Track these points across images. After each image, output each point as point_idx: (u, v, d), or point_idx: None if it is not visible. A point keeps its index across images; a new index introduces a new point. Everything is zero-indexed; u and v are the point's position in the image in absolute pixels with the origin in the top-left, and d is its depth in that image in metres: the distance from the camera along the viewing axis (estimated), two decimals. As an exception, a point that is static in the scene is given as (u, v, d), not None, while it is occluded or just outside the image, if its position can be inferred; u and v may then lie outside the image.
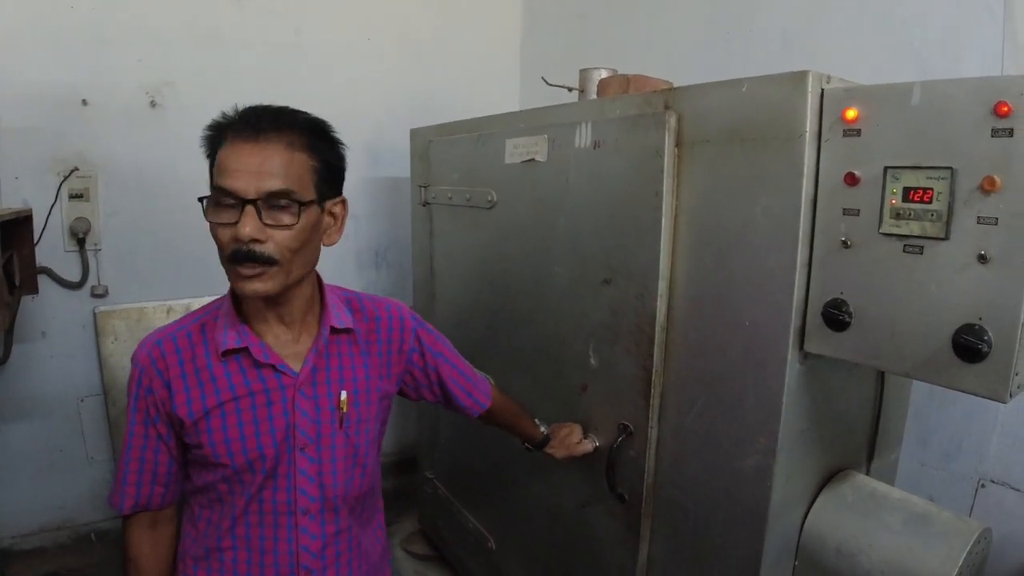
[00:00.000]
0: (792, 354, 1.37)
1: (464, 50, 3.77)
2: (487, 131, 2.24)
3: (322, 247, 1.28)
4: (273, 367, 1.25)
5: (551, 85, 2.34)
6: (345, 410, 1.31)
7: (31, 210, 2.59)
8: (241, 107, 1.21)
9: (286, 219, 1.14)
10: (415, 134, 2.82)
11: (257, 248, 1.12)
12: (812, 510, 1.57)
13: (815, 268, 1.34)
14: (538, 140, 1.93)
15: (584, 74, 2.15)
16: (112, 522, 3.21)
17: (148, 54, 2.98)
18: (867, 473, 1.74)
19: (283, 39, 3.28)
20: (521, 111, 2.13)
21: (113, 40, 2.90)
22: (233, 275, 1.15)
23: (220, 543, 1.30)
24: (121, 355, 2.96)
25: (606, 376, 1.78)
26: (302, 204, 1.15)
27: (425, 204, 2.67)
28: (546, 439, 1.83)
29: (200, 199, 1.17)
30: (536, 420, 1.84)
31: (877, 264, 1.25)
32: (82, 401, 3.08)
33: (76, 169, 2.89)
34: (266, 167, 1.11)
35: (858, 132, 1.26)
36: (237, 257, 1.12)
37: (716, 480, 1.55)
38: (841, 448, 1.63)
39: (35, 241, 2.64)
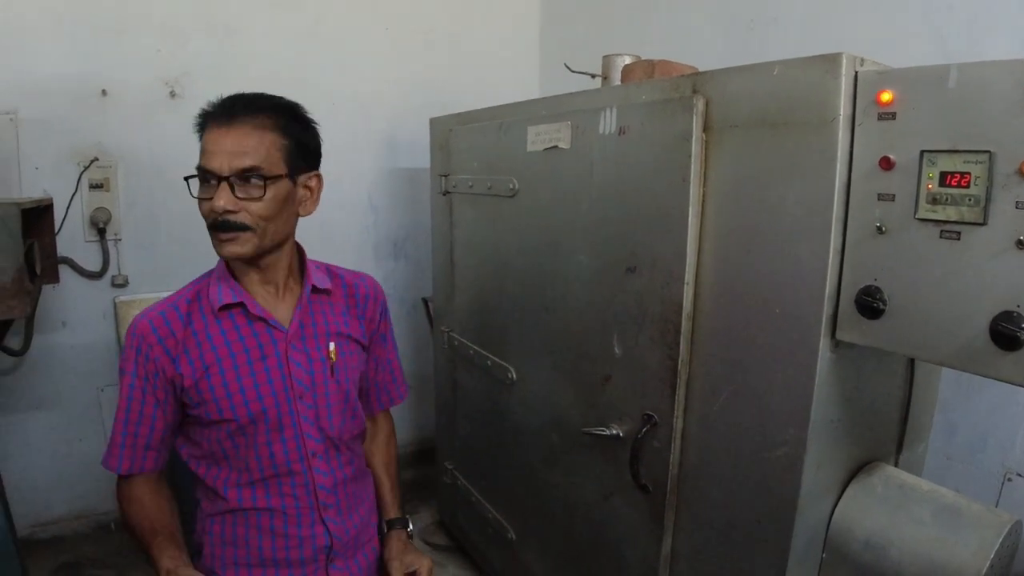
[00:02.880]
0: (824, 342, 1.34)
1: (483, 39, 3.76)
2: (509, 119, 2.22)
3: (301, 217, 1.46)
4: (265, 321, 1.41)
5: (574, 72, 2.31)
6: (334, 359, 1.47)
7: (52, 199, 2.60)
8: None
9: (255, 192, 1.31)
10: (435, 123, 2.81)
11: (230, 218, 1.30)
12: (841, 502, 1.54)
13: (848, 255, 1.31)
14: (561, 127, 1.91)
15: (607, 60, 2.12)
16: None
17: (167, 44, 2.99)
18: (895, 465, 1.71)
19: (301, 29, 3.28)
20: (543, 98, 2.10)
21: (132, 31, 2.91)
22: (214, 241, 1.34)
23: (241, 501, 1.42)
24: (141, 345, 2.96)
25: (630, 365, 1.76)
26: (269, 178, 1.32)
27: (445, 193, 2.66)
28: (395, 522, 1.67)
29: (186, 179, 1.37)
30: (400, 509, 1.72)
31: (913, 250, 1.22)
32: (102, 390, 3.10)
33: (96, 159, 2.91)
34: (238, 147, 1.29)
35: (893, 115, 1.23)
36: (215, 226, 1.32)
37: (743, 471, 1.52)
38: (870, 439, 1.61)
39: (56, 231, 2.65)
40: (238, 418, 1.37)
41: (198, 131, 1.36)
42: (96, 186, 2.93)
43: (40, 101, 2.78)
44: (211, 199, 1.29)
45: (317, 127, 1.46)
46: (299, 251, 1.53)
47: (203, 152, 1.31)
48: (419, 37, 3.59)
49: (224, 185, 1.29)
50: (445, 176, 2.64)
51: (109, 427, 3.03)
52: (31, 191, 2.80)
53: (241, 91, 1.39)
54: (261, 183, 1.31)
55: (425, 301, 3.50)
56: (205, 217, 1.33)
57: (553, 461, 2.13)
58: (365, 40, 3.45)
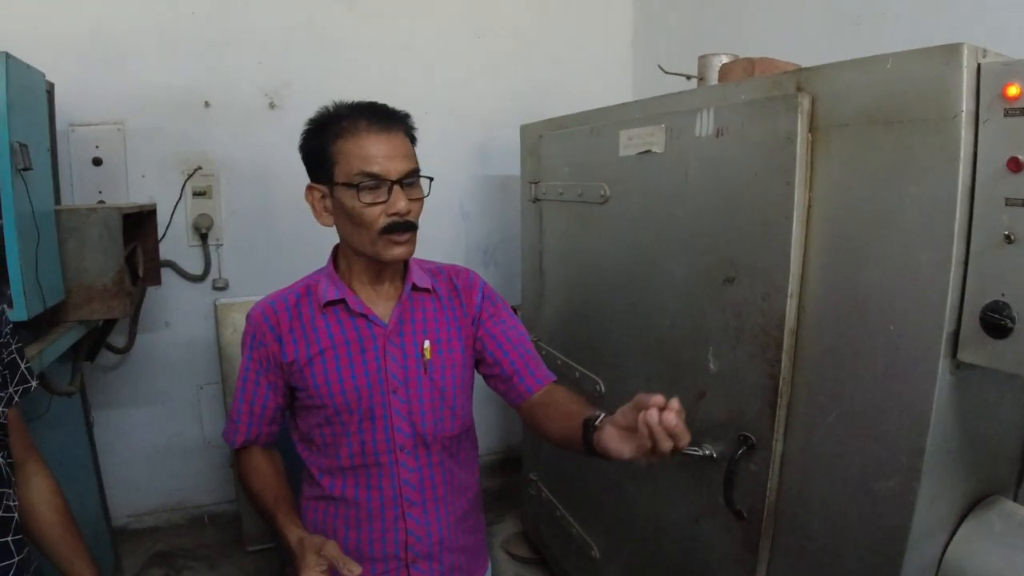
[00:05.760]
0: (943, 364, 1.22)
1: (575, 43, 3.72)
2: (600, 123, 2.16)
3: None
4: (365, 317, 1.44)
5: (668, 73, 2.23)
6: (428, 357, 1.47)
7: (155, 205, 2.72)
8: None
9: (418, 193, 1.40)
10: (525, 130, 2.78)
11: (410, 218, 1.36)
12: (954, 539, 1.40)
13: (972, 266, 1.19)
14: (654, 130, 1.83)
15: (703, 60, 2.03)
16: (226, 505, 3.34)
17: (266, 57, 3.10)
18: (1014, 499, 1.54)
19: (394, 39, 3.34)
20: (636, 101, 2.03)
21: (232, 44, 3.04)
22: (385, 244, 1.35)
23: (332, 488, 1.48)
24: (239, 345, 3.02)
25: (726, 382, 1.66)
26: (426, 178, 1.41)
27: (535, 201, 2.61)
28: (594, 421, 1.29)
29: (356, 187, 1.32)
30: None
31: (1047, 262, 1.10)
32: (201, 388, 3.23)
33: (199, 168, 3.03)
34: (399, 152, 1.35)
35: (1022, 112, 1.11)
36: (395, 228, 1.34)
37: (849, 502, 1.41)
38: (988, 471, 1.46)
39: (160, 236, 2.77)
40: (335, 404, 1.42)
41: (317, 137, 1.39)
42: (199, 193, 3.06)
43: (146, 112, 2.93)
44: (385, 202, 1.33)
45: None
46: None
47: (363, 158, 1.32)
48: (511, 45, 3.58)
49: (398, 188, 1.33)
50: (535, 183, 2.60)
51: (207, 423, 3.23)
52: (137, 198, 2.94)
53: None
54: (421, 183, 1.41)
55: (514, 310, 3.47)
56: (373, 222, 1.33)
57: (641, 479, 2.05)
58: (457, 50, 3.48)
